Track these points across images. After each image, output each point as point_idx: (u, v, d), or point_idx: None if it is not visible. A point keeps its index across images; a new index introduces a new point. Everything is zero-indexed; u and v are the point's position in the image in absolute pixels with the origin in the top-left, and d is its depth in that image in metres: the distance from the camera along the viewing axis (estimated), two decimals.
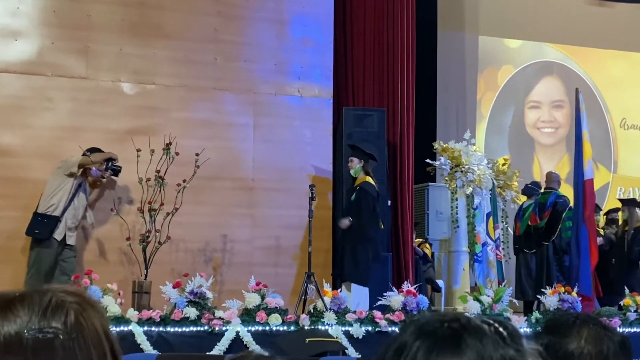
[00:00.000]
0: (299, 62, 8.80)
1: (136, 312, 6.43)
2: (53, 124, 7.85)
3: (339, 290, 7.23)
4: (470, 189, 8.97)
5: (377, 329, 6.75)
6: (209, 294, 6.59)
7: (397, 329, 5.88)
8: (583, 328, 1.78)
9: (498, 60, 13.78)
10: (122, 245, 7.63)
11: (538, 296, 7.99)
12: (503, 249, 9.42)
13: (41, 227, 7.23)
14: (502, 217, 9.62)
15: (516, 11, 13.59)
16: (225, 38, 8.55)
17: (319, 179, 8.57)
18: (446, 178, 9.16)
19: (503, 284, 8.45)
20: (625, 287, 8.30)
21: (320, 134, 8.76)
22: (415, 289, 7.16)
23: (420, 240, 10.32)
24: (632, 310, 7.71)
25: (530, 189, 10.04)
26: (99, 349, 0.94)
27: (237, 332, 6.42)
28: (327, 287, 7.05)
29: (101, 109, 8.00)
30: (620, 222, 10.57)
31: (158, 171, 7.48)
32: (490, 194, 9.26)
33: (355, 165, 8.11)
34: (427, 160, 9.24)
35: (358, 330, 6.69)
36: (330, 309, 6.77)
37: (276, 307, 6.64)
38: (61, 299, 0.95)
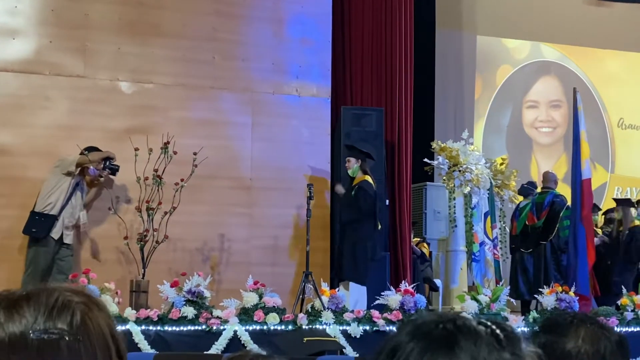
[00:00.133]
0: (297, 62, 8.79)
1: (134, 311, 6.42)
2: (51, 122, 7.84)
3: (336, 289, 7.23)
4: (468, 189, 8.97)
5: (374, 328, 6.76)
6: (207, 293, 6.59)
7: (394, 328, 5.88)
8: (580, 327, 1.78)
9: (496, 59, 13.79)
10: (120, 244, 7.62)
11: (535, 295, 8.00)
12: (501, 248, 9.43)
13: (38, 225, 7.22)
14: (499, 216, 9.63)
15: (514, 11, 13.60)
16: (224, 37, 8.54)
17: (317, 178, 8.57)
18: (444, 177, 9.17)
19: (500, 283, 8.47)
20: (623, 287, 8.30)
21: (318, 133, 8.76)
22: (413, 288, 7.17)
23: (418, 239, 10.32)
24: (629, 310, 7.72)
25: (526, 189, 10.05)
26: (105, 350, 0.94)
27: (235, 331, 6.42)
28: (325, 287, 7.05)
29: (99, 108, 8.00)
30: (616, 222, 10.57)
31: (156, 170, 7.48)
32: (488, 194, 9.27)
33: (352, 165, 8.11)
34: (425, 160, 9.25)
35: (356, 330, 6.69)
36: (328, 308, 6.78)
37: (274, 307, 6.64)
38: (67, 298, 0.94)
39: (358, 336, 6.69)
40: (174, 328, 6.38)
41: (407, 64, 9.41)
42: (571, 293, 7.62)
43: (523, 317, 7.68)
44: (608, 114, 14.27)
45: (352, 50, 9.56)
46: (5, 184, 7.59)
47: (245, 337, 6.41)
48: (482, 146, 12.38)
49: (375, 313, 6.86)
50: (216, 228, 8.21)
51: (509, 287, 8.02)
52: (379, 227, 8.10)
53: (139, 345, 6.18)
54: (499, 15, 13.56)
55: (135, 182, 7.47)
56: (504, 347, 0.95)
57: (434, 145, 9.30)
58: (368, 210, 7.90)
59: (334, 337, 6.63)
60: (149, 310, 6.46)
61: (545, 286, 7.92)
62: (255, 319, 6.52)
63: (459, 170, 8.99)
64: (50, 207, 7.26)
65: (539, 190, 10.07)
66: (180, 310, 6.43)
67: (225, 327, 6.42)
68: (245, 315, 6.55)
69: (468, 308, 7.27)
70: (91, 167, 7.56)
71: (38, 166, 7.56)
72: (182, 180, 7.54)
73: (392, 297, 7.01)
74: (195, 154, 7.60)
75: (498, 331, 0.97)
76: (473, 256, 8.99)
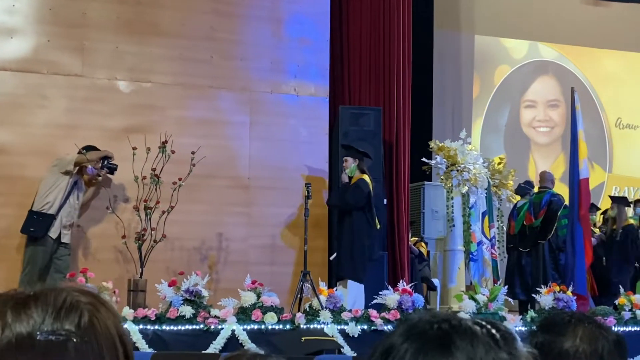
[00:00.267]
0: (295, 61, 8.79)
1: (131, 311, 6.42)
2: (48, 121, 7.83)
3: (334, 288, 7.24)
4: (466, 188, 8.99)
5: (372, 328, 6.76)
6: (205, 293, 6.58)
7: (392, 328, 5.90)
8: (578, 327, 1.78)
9: (494, 59, 13.79)
10: (118, 244, 7.62)
11: (533, 295, 8.00)
12: (498, 247, 9.45)
13: (36, 225, 7.21)
14: (497, 216, 9.64)
15: (512, 10, 13.61)
16: (222, 36, 8.54)
17: (315, 177, 8.57)
18: (442, 177, 9.18)
19: (498, 282, 8.48)
20: (620, 287, 8.31)
21: (316, 133, 8.76)
22: (410, 287, 7.17)
23: (416, 239, 10.32)
24: (627, 310, 7.73)
25: (523, 189, 10.05)
26: (112, 351, 0.93)
27: (233, 331, 6.42)
28: (322, 286, 7.05)
29: (97, 107, 7.99)
30: (610, 220, 10.57)
31: (154, 169, 7.47)
32: (486, 193, 9.28)
33: (350, 165, 8.12)
34: (423, 159, 9.26)
35: (354, 329, 6.70)
36: (326, 308, 6.78)
37: (272, 306, 6.64)
38: (75, 299, 0.93)
39: (356, 335, 6.69)
40: (171, 327, 6.38)
41: (405, 63, 9.42)
42: (569, 292, 7.62)
43: (521, 316, 7.69)
44: (606, 113, 14.29)
45: (350, 50, 9.57)
46: (3, 183, 7.58)
47: (243, 337, 6.41)
48: (480, 146, 12.39)
49: (373, 312, 6.87)
50: (214, 227, 8.20)
51: (506, 287, 8.03)
52: (379, 226, 8.10)
53: (136, 345, 6.18)
54: (497, 15, 13.57)
55: (133, 181, 7.47)
56: (500, 346, 0.94)
57: (432, 144, 9.30)
58: (355, 205, 7.90)
59: (332, 336, 6.63)
60: (146, 309, 6.46)
61: (543, 285, 7.93)
62: (253, 318, 6.52)
63: (457, 170, 9.00)
64: (48, 207, 7.25)
65: (536, 190, 10.08)
66: (178, 309, 6.42)
67: (223, 326, 6.42)
68: (243, 314, 6.55)
69: (466, 307, 7.28)
70: (89, 166, 7.55)
71: (36, 165, 7.55)
72: (180, 179, 7.53)
73: (390, 297, 7.01)
74: (193, 153, 7.60)
75: (494, 331, 0.95)
76: (471, 255, 9.00)
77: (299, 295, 7.18)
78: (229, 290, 7.13)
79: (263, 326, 6.51)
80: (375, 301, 7.12)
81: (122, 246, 7.55)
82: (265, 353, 1.88)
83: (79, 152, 7.45)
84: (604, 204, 12.42)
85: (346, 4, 9.60)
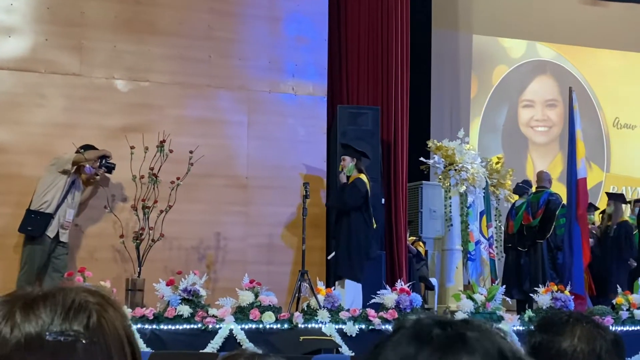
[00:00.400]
0: (294, 60, 8.79)
1: (129, 310, 6.41)
2: (46, 120, 7.83)
3: (332, 288, 7.24)
4: (464, 188, 8.99)
5: (370, 327, 6.76)
6: (203, 292, 6.58)
7: (390, 327, 5.89)
8: (576, 326, 1.79)
9: (492, 59, 13.80)
10: (116, 243, 7.62)
11: (531, 294, 8.01)
12: (496, 247, 9.45)
13: (34, 224, 7.21)
14: (495, 215, 9.65)
15: (510, 10, 13.62)
16: (219, 35, 8.53)
17: (313, 176, 8.57)
18: (440, 176, 9.18)
19: (496, 282, 8.48)
20: (618, 286, 8.32)
21: (314, 132, 8.76)
22: (408, 287, 7.17)
23: (414, 238, 10.33)
24: (625, 309, 7.74)
25: (521, 188, 10.06)
26: (120, 352, 0.93)
27: (231, 330, 6.42)
28: (320, 285, 7.05)
29: (95, 106, 7.98)
30: (605, 216, 10.57)
31: (152, 168, 7.47)
32: (484, 193, 9.29)
33: (348, 164, 8.12)
34: (421, 159, 9.26)
35: (352, 328, 6.70)
36: (324, 307, 6.78)
37: (270, 305, 6.64)
38: (84, 299, 0.93)
39: (354, 335, 6.69)
40: (169, 327, 6.38)
41: (403, 62, 9.42)
42: (566, 292, 7.63)
43: (518, 316, 7.70)
44: (604, 113, 14.30)
45: (349, 49, 9.56)
46: (0, 182, 7.57)
47: (241, 336, 6.41)
48: (477, 145, 12.40)
49: (371, 312, 6.87)
50: (212, 226, 8.20)
51: (504, 286, 8.03)
52: (375, 225, 8.11)
53: None
54: (495, 15, 13.57)
55: (131, 180, 7.47)
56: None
57: (430, 144, 9.31)
58: (353, 204, 7.91)
59: (330, 335, 6.63)
60: (144, 308, 6.45)
61: (541, 285, 7.93)
62: (251, 317, 6.52)
63: (455, 169, 9.01)
64: (46, 206, 7.25)
65: (533, 189, 10.09)
66: (176, 308, 6.42)
67: (221, 325, 6.41)
68: (241, 313, 6.55)
69: (463, 307, 7.28)
70: (87, 165, 7.54)
71: (34, 164, 7.55)
72: (178, 178, 7.53)
73: (387, 296, 7.01)
74: (191, 152, 7.60)
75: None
76: (469, 255, 9.00)
77: (297, 295, 7.18)
78: (227, 289, 7.13)
79: (261, 325, 6.51)
80: (373, 300, 7.12)
81: (120, 245, 7.55)
82: (263, 352, 1.88)
83: (77, 151, 7.44)
84: (602, 203, 12.44)
85: (344, 3, 9.60)
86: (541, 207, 9.70)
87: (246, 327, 6.48)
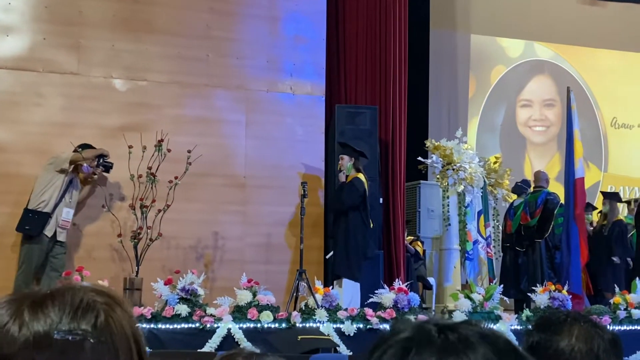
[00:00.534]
0: (292, 59, 8.79)
1: None
2: (44, 119, 7.82)
3: (330, 287, 7.24)
4: (462, 187, 8.99)
5: (368, 327, 6.77)
6: (201, 291, 6.58)
7: (388, 327, 5.89)
8: (574, 326, 1.79)
9: (490, 58, 13.81)
10: (114, 242, 7.61)
11: (528, 294, 8.01)
12: (494, 246, 9.45)
13: (32, 223, 7.20)
14: (493, 215, 9.64)
15: (508, 10, 13.62)
16: (218, 34, 8.53)
17: (311, 176, 8.57)
18: (438, 176, 9.18)
19: (494, 281, 8.48)
20: (616, 286, 8.33)
21: (312, 131, 8.76)
22: (406, 286, 7.18)
23: (412, 237, 10.34)
24: (622, 309, 7.74)
25: (520, 187, 10.07)
26: (127, 351, 0.94)
27: (229, 329, 6.42)
28: (318, 285, 7.05)
29: (93, 105, 7.98)
30: (601, 215, 10.58)
31: (150, 168, 7.47)
32: (482, 192, 9.29)
33: (346, 163, 8.12)
34: (419, 158, 9.26)
35: (349, 328, 6.70)
36: (321, 307, 6.78)
37: (268, 305, 6.64)
38: (92, 299, 0.94)
39: (352, 334, 6.70)
40: (167, 326, 6.37)
41: (401, 62, 9.42)
42: (564, 291, 7.64)
43: (516, 315, 7.70)
44: (601, 113, 14.31)
45: (347, 49, 9.57)
46: None
47: (239, 335, 6.41)
48: (475, 145, 12.40)
49: (369, 311, 6.87)
50: (210, 226, 8.20)
51: (502, 286, 8.04)
52: (371, 225, 8.11)
53: None
54: (493, 14, 13.58)
55: (129, 179, 7.46)
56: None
57: (427, 143, 9.30)
58: (351, 204, 7.91)
59: (328, 335, 6.63)
60: (142, 308, 6.45)
61: (538, 284, 7.94)
62: (249, 317, 6.52)
63: (453, 169, 9.00)
64: (43, 205, 7.24)
65: (531, 190, 10.09)
66: (173, 308, 6.42)
67: (219, 325, 6.41)
68: (239, 313, 6.55)
69: (461, 306, 7.28)
70: (85, 164, 7.54)
71: (31, 163, 7.54)
72: (176, 178, 7.53)
73: (385, 295, 7.02)
74: (189, 151, 7.59)
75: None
76: (467, 254, 9.00)
77: (294, 294, 7.18)
78: (225, 288, 7.13)
79: (259, 325, 6.51)
80: (371, 300, 7.13)
81: (118, 245, 7.54)
82: (261, 352, 1.88)
83: (75, 150, 7.43)
84: (600, 203, 12.45)
85: (342, 2, 9.60)
86: (539, 207, 9.71)
87: (244, 326, 6.48)
